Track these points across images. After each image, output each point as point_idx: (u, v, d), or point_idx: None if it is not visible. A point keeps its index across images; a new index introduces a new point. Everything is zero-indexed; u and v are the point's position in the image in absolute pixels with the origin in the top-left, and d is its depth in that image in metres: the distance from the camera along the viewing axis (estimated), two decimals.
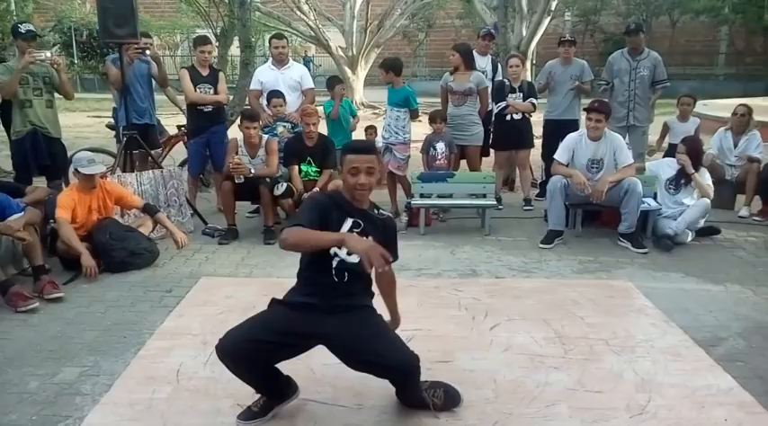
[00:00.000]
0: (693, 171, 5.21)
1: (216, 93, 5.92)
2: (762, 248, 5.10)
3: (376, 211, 2.73)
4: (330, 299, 2.58)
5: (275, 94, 5.90)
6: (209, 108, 5.89)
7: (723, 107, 9.37)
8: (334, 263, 2.57)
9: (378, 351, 2.51)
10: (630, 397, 2.84)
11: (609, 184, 5.00)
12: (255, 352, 2.46)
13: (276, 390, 2.70)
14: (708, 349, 3.31)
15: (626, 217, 5.04)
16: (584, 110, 5.34)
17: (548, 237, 5.14)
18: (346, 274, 2.59)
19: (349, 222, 2.60)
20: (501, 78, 6.55)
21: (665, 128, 6.69)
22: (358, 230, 2.57)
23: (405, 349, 2.58)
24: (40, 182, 5.32)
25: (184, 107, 6.23)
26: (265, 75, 6.16)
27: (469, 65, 6.08)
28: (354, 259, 2.49)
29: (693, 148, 5.34)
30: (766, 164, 6.01)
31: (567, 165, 5.22)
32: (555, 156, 5.35)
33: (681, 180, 5.30)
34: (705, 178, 5.33)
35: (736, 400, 2.82)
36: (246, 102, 6.92)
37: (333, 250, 2.54)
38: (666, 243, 5.00)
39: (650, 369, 3.08)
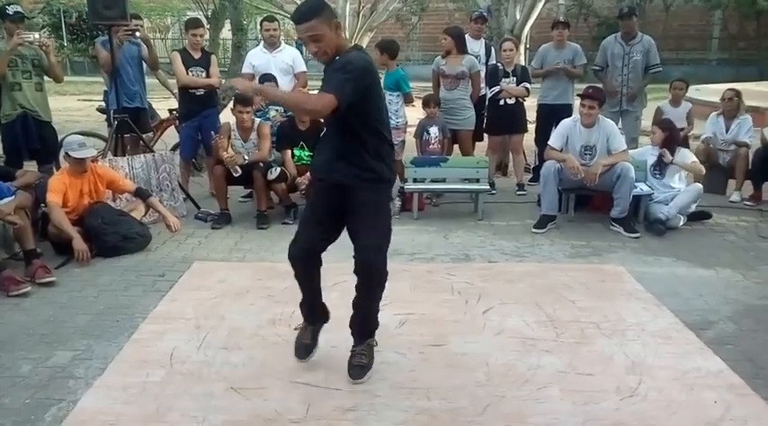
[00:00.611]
0: (671, 159, 5.28)
1: (208, 76, 5.87)
2: (752, 232, 5.14)
3: (337, 57, 2.58)
4: (326, 156, 2.72)
5: (267, 78, 5.84)
6: (201, 91, 5.85)
7: (715, 92, 9.35)
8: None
9: (363, 241, 2.74)
10: (621, 380, 2.87)
11: (602, 168, 5.02)
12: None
13: (321, 307, 2.97)
14: (698, 332, 3.34)
15: (618, 201, 5.06)
16: (578, 96, 5.34)
17: (540, 222, 5.16)
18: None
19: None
20: (494, 62, 6.53)
21: (659, 113, 6.69)
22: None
23: (379, 250, 2.75)
24: (30, 167, 5.28)
25: (176, 91, 6.18)
26: (257, 59, 6.11)
27: (462, 48, 6.05)
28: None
29: (669, 130, 5.44)
30: (757, 149, 6.04)
31: (560, 151, 5.23)
32: (549, 142, 5.36)
33: (664, 163, 5.36)
34: (687, 157, 5.37)
35: (726, 382, 2.85)
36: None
37: None
38: (658, 227, 5.02)
39: (641, 352, 3.11)
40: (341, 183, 2.70)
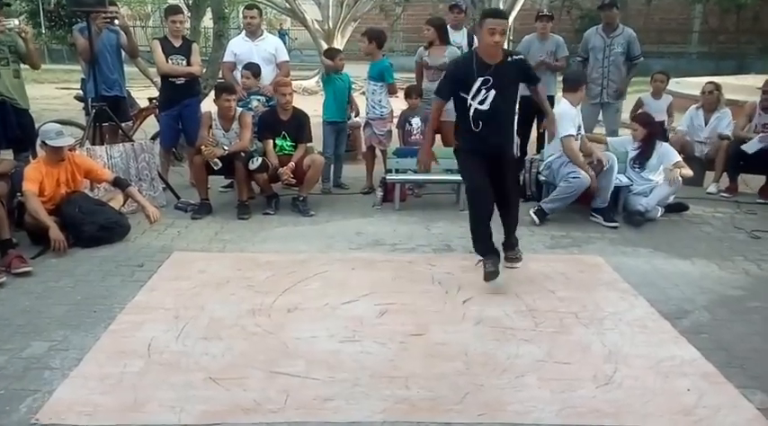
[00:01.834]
0: (676, 175, 5.17)
1: (189, 64, 5.79)
2: (728, 224, 5.21)
3: (510, 58, 3.62)
4: (478, 144, 3.74)
5: (248, 67, 5.80)
6: (182, 80, 5.76)
7: (695, 85, 9.45)
8: (471, 113, 3.67)
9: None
10: (598, 368, 2.90)
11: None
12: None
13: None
14: (673, 321, 3.39)
15: (600, 192, 5.11)
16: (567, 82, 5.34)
17: (541, 212, 5.12)
18: (480, 123, 3.64)
19: (479, 81, 3.58)
20: None
21: (640, 104, 6.75)
22: (486, 86, 3.57)
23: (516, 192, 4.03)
24: (6, 155, 5.20)
25: (156, 79, 6.10)
26: (239, 47, 6.04)
27: (444, 39, 6.02)
28: (484, 106, 3.61)
29: (649, 125, 5.48)
30: (733, 142, 6.11)
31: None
32: (568, 133, 5.00)
33: (644, 157, 5.41)
34: (670, 154, 5.39)
35: (700, 371, 2.90)
36: (220, 75, 6.79)
37: (468, 101, 3.64)
38: (637, 219, 5.08)
39: (617, 341, 3.16)
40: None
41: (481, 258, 3.80)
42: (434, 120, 3.99)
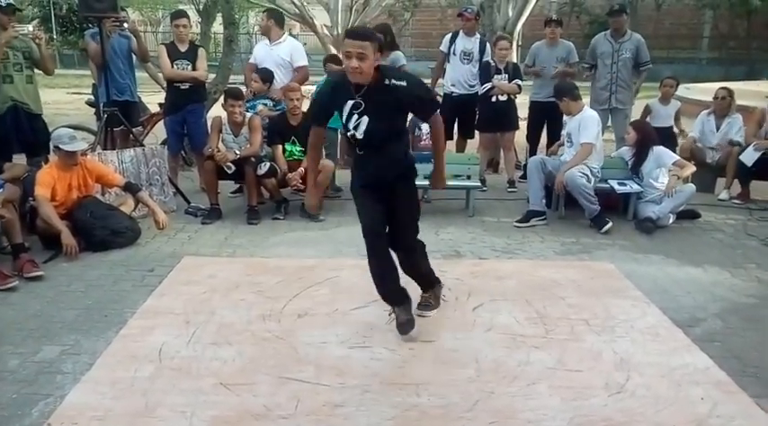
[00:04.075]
0: (672, 185, 5.15)
1: (194, 69, 5.80)
2: (740, 231, 5.17)
3: (388, 82, 2.90)
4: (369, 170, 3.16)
5: (260, 71, 5.84)
6: (186, 85, 5.75)
7: (704, 91, 9.39)
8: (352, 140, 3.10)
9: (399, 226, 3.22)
10: (609, 376, 2.88)
11: (562, 175, 5.13)
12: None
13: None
14: (686, 329, 3.36)
15: (582, 205, 5.14)
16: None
17: (523, 217, 5.19)
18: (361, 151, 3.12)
19: (349, 104, 2.97)
20: (487, 59, 6.51)
21: (647, 110, 6.72)
22: (358, 110, 2.96)
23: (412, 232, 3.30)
24: (19, 160, 5.24)
25: (165, 84, 6.13)
26: (259, 50, 6.22)
27: (390, 46, 6.17)
28: (358, 134, 3.00)
29: (642, 131, 5.46)
30: (743, 147, 6.06)
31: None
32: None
33: (638, 163, 5.39)
34: (666, 157, 5.33)
35: (713, 379, 2.87)
36: (230, 80, 6.85)
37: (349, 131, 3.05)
38: (648, 225, 5.05)
39: (629, 349, 3.13)
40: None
41: (390, 307, 3.25)
42: (312, 149, 3.30)
